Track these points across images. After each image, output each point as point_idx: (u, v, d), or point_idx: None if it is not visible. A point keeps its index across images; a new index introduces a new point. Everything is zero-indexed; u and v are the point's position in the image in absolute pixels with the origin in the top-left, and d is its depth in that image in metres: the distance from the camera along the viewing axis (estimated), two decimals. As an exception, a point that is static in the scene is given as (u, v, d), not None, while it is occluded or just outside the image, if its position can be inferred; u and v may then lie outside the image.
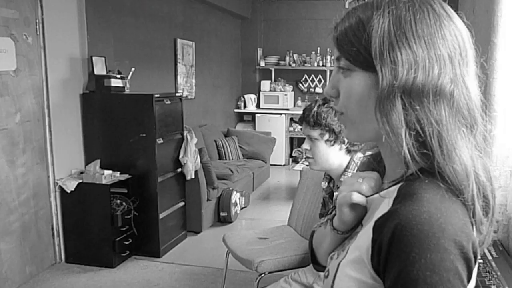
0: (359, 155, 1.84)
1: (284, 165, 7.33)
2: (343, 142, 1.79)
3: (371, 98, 0.67)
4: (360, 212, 0.76)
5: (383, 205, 0.68)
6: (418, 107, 0.64)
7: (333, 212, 0.84)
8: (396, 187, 0.68)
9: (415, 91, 0.64)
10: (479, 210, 0.64)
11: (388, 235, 0.61)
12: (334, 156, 1.79)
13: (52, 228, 3.50)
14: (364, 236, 0.69)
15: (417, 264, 0.58)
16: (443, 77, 0.64)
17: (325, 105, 1.78)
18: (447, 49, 0.65)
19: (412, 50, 0.64)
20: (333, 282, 0.72)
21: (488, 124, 0.70)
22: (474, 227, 0.65)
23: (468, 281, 0.61)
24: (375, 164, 0.83)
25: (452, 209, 0.61)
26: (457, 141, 0.64)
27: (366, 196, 0.74)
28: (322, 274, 2.20)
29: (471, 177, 0.64)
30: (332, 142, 1.78)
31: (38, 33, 3.30)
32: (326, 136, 1.77)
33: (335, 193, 1.85)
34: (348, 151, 1.82)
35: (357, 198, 0.73)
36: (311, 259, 0.98)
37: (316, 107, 1.78)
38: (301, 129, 6.72)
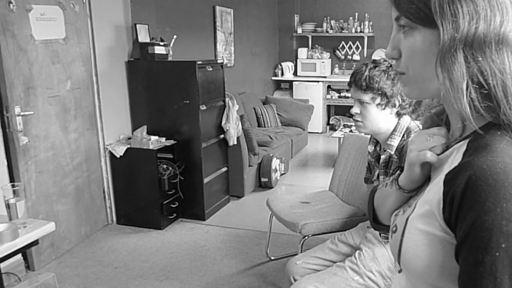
0: (407, 118, 1.82)
1: (321, 132, 7.31)
2: (394, 106, 1.77)
3: (434, 54, 0.66)
4: (428, 170, 0.76)
5: (452, 159, 0.69)
6: (480, 58, 0.62)
7: (397, 172, 0.85)
8: (465, 141, 0.68)
9: (477, 42, 0.62)
10: None
11: (462, 186, 0.60)
12: (384, 119, 1.78)
13: (104, 191, 3.67)
14: (434, 190, 0.69)
15: (492, 213, 0.57)
16: (505, 25, 0.62)
17: (376, 69, 1.76)
18: None
19: (473, 0, 0.62)
20: (402, 236, 0.73)
21: None
22: None
23: None
24: (439, 121, 0.82)
25: None
26: None
27: (438, 154, 0.73)
28: (369, 235, 2.21)
29: None
30: (383, 106, 1.76)
31: (84, 1, 3.37)
32: (378, 100, 1.75)
33: (382, 156, 1.86)
34: (398, 114, 1.81)
35: (432, 157, 0.73)
36: (372, 218, 1.00)
37: (367, 70, 1.76)
38: (339, 96, 6.62)
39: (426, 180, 0.78)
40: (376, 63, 1.78)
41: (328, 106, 7.55)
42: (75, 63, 3.32)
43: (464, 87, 0.63)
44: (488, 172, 0.59)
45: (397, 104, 1.77)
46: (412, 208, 0.74)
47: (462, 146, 0.68)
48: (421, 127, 0.93)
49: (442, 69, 0.64)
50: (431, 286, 0.69)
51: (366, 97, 1.76)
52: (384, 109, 1.77)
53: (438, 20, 0.64)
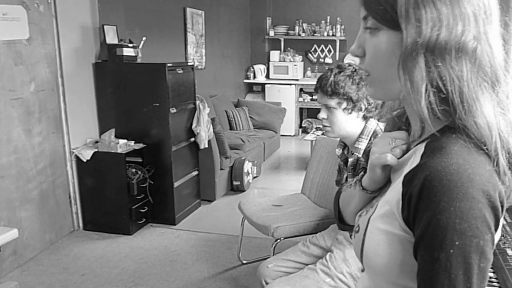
0: (373, 121, 1.84)
1: (294, 135, 7.34)
2: (360, 110, 1.79)
3: (396, 56, 0.67)
4: (389, 171, 0.79)
5: (411, 161, 0.71)
6: (440, 64, 0.64)
7: (361, 174, 0.88)
8: (423, 144, 0.70)
9: (438, 48, 0.64)
10: (503, 161, 0.65)
11: (418, 186, 0.62)
12: (351, 123, 1.80)
13: (70, 197, 3.56)
14: (394, 191, 0.71)
15: (447, 212, 0.59)
16: (466, 34, 0.64)
17: (341, 74, 1.77)
18: (471, 6, 0.65)
19: (437, 8, 0.64)
20: (364, 235, 0.75)
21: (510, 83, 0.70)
22: (499, 178, 0.66)
23: (496, 229, 0.63)
24: (400, 123, 0.84)
25: (479, 161, 0.63)
26: (478, 96, 0.65)
27: (398, 158, 0.76)
28: (340, 237, 2.22)
29: (493, 130, 0.64)
30: (350, 110, 1.78)
31: (49, 1, 3.27)
32: (344, 105, 1.77)
33: (350, 159, 1.87)
34: (364, 117, 1.82)
35: (392, 159, 0.75)
36: (338, 219, 1.01)
37: (332, 76, 1.77)
38: (311, 99, 6.67)
39: (388, 181, 0.80)
40: (341, 68, 1.80)
41: (301, 109, 7.59)
42: (39, 64, 3.21)
43: (423, 90, 0.65)
44: (443, 173, 0.61)
45: (363, 108, 1.78)
46: (374, 209, 0.76)
47: (421, 148, 0.70)
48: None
49: (404, 71, 0.66)
50: (392, 283, 0.72)
51: (332, 102, 1.78)
52: (350, 113, 1.78)
53: (402, 23, 0.66)
